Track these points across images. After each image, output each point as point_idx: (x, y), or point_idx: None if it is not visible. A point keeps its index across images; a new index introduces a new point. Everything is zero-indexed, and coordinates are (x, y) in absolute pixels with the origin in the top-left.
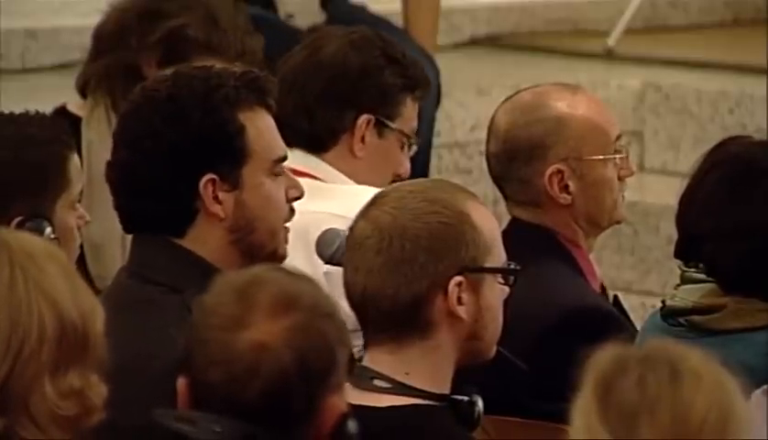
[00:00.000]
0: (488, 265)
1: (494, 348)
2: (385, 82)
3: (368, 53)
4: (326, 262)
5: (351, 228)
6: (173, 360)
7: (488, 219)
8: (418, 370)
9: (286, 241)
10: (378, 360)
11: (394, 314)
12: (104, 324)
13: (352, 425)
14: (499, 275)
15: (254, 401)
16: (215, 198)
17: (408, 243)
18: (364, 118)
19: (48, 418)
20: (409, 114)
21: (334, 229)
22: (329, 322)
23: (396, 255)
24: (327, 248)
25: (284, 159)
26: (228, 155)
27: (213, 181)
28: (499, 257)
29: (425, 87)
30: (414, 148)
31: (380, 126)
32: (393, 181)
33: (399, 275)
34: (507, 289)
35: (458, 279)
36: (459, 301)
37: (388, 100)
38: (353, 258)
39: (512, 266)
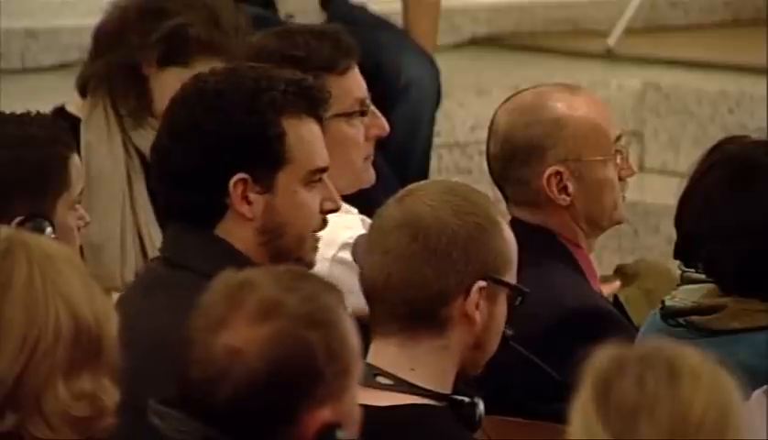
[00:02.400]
0: (506, 279)
1: (481, 367)
2: None
3: (267, 63)
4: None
5: (381, 214)
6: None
7: (512, 236)
8: (424, 368)
9: (314, 250)
10: (383, 353)
11: (414, 305)
12: (135, 307)
13: (340, 434)
14: (507, 294)
15: (222, 405)
16: (245, 198)
17: (445, 237)
18: None
19: (60, 418)
20: (340, 91)
21: None
22: (316, 333)
23: (432, 245)
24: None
25: (324, 170)
26: (264, 158)
27: (244, 180)
28: (514, 274)
29: (344, 56)
30: (372, 107)
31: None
32: (377, 147)
33: (429, 266)
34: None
35: (482, 283)
36: (476, 305)
37: None
38: (383, 241)
39: (524, 288)
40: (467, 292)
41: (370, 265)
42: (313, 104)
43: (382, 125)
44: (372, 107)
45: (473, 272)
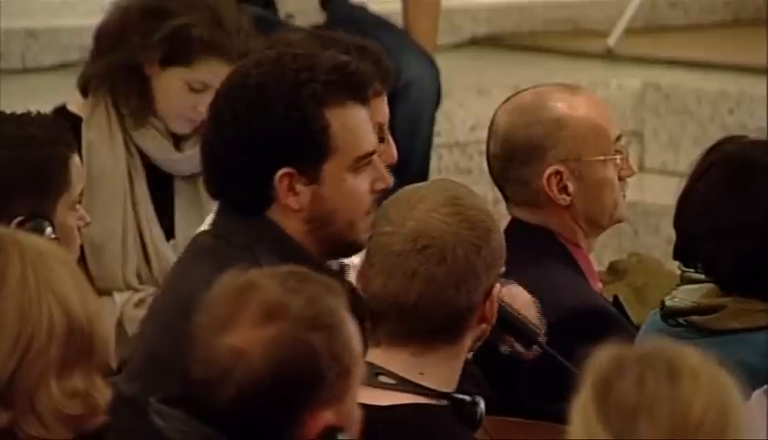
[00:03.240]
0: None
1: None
2: None
3: None
4: None
5: (387, 232)
6: None
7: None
8: (434, 373)
9: (367, 231)
10: (393, 357)
11: (439, 322)
12: (183, 268)
13: (341, 437)
14: None
15: (224, 405)
16: (291, 190)
17: (470, 253)
18: None
19: (53, 416)
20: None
21: None
22: (319, 336)
23: (460, 265)
24: None
25: (372, 153)
26: (309, 152)
27: (290, 174)
28: None
29: (382, 80)
30: (388, 135)
31: None
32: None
33: (461, 285)
34: None
35: (498, 286)
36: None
37: None
38: (403, 263)
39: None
40: (486, 298)
41: (393, 286)
42: (357, 89)
43: (392, 154)
44: (388, 135)
45: (491, 278)
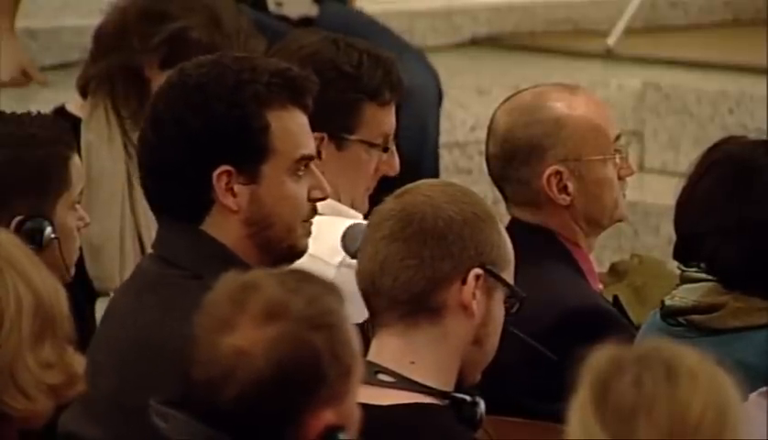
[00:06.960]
0: (503, 276)
1: (480, 373)
2: (332, 99)
3: (316, 68)
4: (352, 257)
5: (377, 210)
6: (188, 342)
7: (508, 238)
8: (423, 360)
9: (307, 236)
10: (385, 345)
11: (409, 289)
12: (126, 305)
13: (343, 436)
14: (504, 297)
15: (227, 405)
16: (230, 190)
17: (441, 221)
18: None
19: (34, 388)
20: (373, 120)
21: (361, 224)
22: (321, 335)
23: (427, 228)
24: (353, 243)
25: (309, 158)
26: (248, 151)
27: (228, 173)
28: (511, 278)
29: (392, 90)
30: (392, 147)
31: (338, 140)
32: (381, 181)
33: (425, 248)
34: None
35: (479, 271)
36: (473, 295)
37: (339, 114)
38: (378, 228)
39: (521, 293)
40: (464, 281)
41: (365, 257)
42: (298, 94)
43: (394, 165)
44: (393, 147)
45: (469, 259)
